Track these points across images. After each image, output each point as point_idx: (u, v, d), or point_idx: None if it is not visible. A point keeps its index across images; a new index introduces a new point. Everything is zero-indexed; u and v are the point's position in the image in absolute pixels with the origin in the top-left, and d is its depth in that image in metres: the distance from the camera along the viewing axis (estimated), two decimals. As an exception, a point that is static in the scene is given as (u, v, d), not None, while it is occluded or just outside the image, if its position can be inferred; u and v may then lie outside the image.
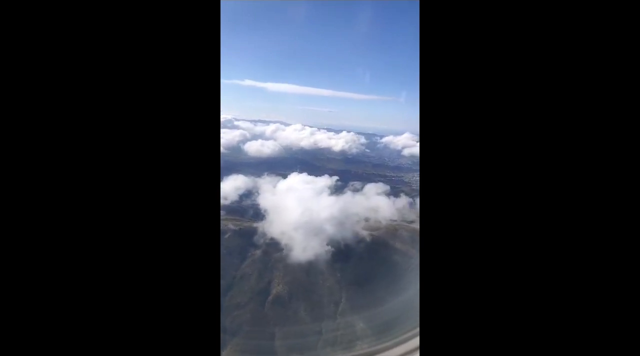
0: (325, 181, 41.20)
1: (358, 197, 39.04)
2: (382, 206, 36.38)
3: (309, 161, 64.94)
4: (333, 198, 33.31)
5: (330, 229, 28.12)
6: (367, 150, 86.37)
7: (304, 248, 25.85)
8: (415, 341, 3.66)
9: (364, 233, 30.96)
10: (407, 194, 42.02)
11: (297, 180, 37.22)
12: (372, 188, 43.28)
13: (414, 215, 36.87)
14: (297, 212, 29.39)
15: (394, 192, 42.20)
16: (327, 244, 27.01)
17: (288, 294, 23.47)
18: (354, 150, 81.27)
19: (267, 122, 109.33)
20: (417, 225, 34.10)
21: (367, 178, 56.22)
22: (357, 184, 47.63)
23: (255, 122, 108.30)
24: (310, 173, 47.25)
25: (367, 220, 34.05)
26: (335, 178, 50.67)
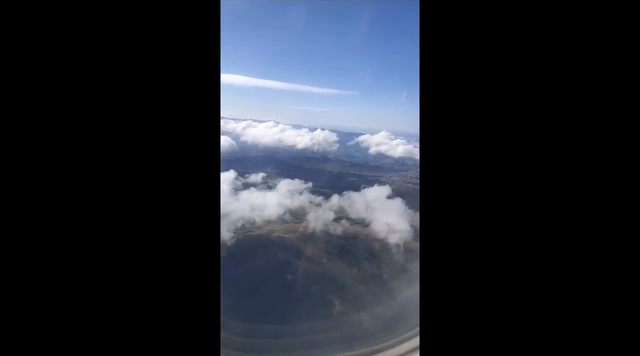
0: (224, 176, 36.61)
1: (254, 195, 34.35)
2: (270, 206, 31.53)
3: (283, 159, 61.16)
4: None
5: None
6: (335, 148, 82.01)
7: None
8: (416, 341, 3.85)
9: (227, 236, 26.36)
10: (316, 192, 36.97)
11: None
12: (283, 186, 38.49)
13: (308, 215, 31.87)
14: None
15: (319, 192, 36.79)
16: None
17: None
18: (316, 148, 76.98)
19: (246, 120, 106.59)
20: (302, 226, 29.15)
21: (341, 177, 51.83)
22: (277, 180, 43.11)
23: (237, 120, 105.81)
24: (284, 173, 43.22)
25: (242, 220, 29.41)
26: (262, 174, 46.37)
